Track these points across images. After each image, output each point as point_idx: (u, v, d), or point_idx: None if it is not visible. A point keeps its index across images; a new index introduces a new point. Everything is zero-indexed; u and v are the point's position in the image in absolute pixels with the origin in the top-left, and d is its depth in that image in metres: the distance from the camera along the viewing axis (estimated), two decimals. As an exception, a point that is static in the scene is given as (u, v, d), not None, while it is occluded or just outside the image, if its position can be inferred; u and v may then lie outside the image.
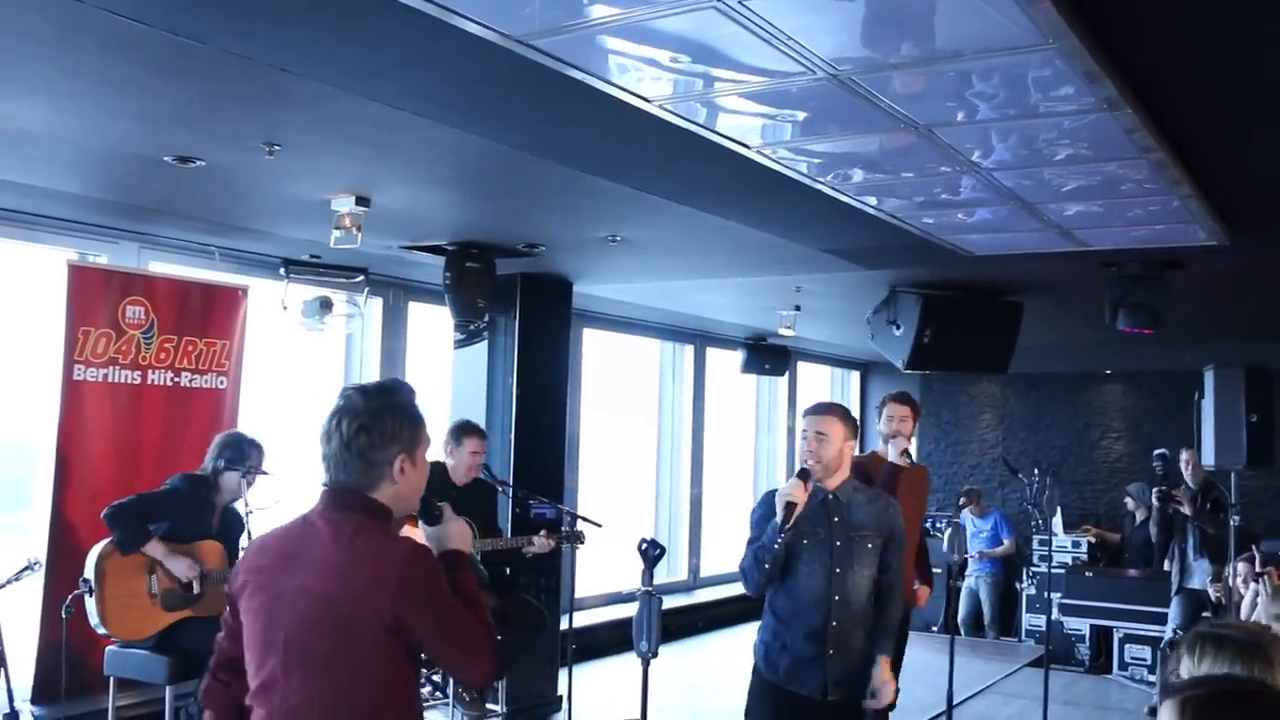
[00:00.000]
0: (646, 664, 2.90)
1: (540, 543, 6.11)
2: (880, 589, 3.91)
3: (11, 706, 4.66)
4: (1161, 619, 8.35)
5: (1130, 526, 10.68)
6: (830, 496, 3.90)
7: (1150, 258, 6.03)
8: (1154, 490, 7.79)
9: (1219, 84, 3.50)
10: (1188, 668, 2.14)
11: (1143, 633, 9.01)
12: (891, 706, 3.97)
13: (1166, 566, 8.03)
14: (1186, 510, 7.49)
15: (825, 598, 3.80)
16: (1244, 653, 2.11)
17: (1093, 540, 11.19)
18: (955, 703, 7.48)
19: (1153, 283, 6.15)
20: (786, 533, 3.70)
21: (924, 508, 5.61)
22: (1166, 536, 7.89)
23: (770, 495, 3.88)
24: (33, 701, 5.58)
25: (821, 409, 3.99)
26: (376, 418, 2.45)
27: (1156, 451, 8.67)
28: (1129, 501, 10.60)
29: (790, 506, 3.68)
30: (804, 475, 3.77)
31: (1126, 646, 9.17)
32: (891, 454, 5.30)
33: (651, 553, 3.00)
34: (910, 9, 2.82)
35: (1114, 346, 10.00)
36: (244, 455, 5.35)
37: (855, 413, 14.42)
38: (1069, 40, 2.87)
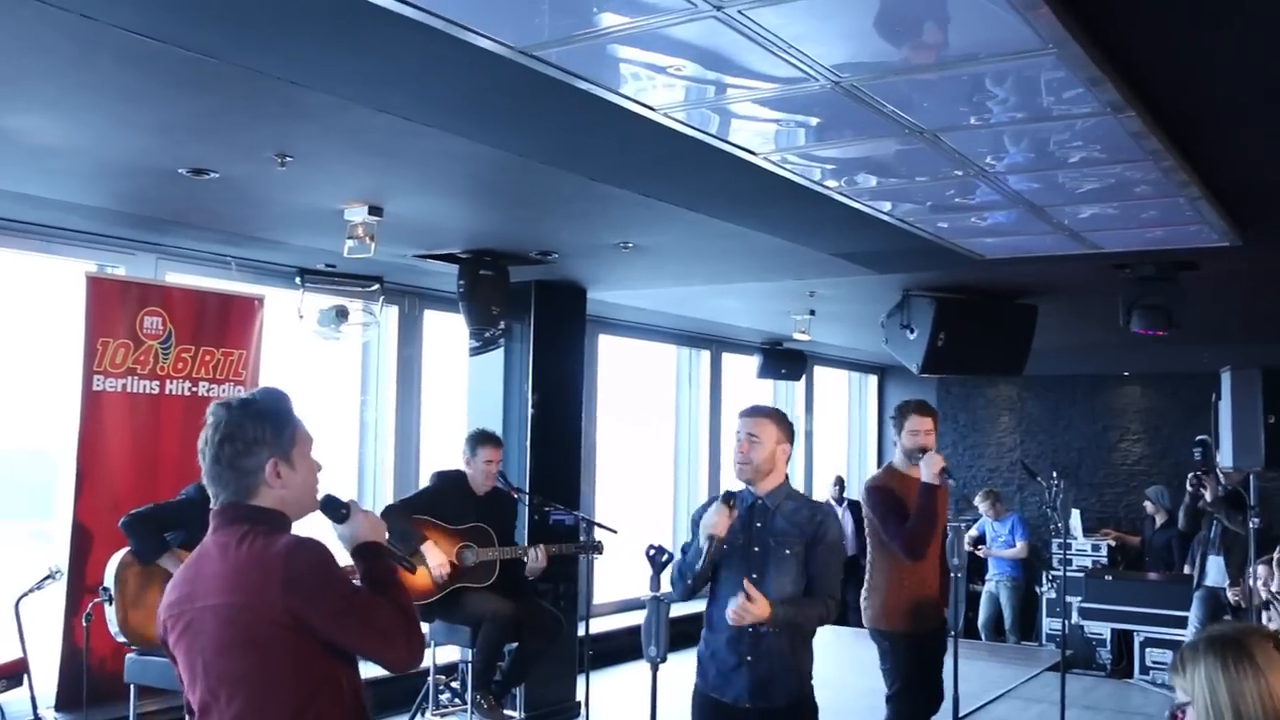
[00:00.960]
0: (655, 669, 2.91)
1: (535, 558, 6.02)
2: (806, 593, 3.76)
3: (35, 714, 4.72)
4: (1183, 622, 8.32)
5: (1150, 529, 10.63)
6: (758, 502, 3.80)
7: (1163, 259, 6.02)
8: (1190, 475, 7.68)
9: (1226, 86, 3.50)
10: (1180, 686, 2.14)
11: (1164, 636, 8.96)
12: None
13: (1187, 570, 7.98)
14: (1208, 496, 7.38)
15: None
16: (1225, 647, 2.11)
17: (1112, 543, 11.14)
18: (975, 707, 7.48)
19: (1166, 284, 6.14)
20: (705, 558, 3.65)
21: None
22: (1194, 527, 7.76)
23: (714, 500, 3.80)
24: (56, 709, 5.64)
25: (754, 410, 3.91)
26: (239, 427, 2.44)
27: (1198, 438, 8.56)
28: (1148, 504, 10.55)
29: (711, 539, 3.63)
30: (729, 500, 3.69)
31: (1148, 650, 9.12)
32: (925, 473, 4.99)
33: (659, 558, 3.02)
34: (909, 16, 2.84)
35: (1131, 348, 9.96)
36: None
37: (873, 416, 14.41)
38: (1069, 45, 2.88)
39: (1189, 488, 7.56)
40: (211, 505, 2.48)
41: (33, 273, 6.20)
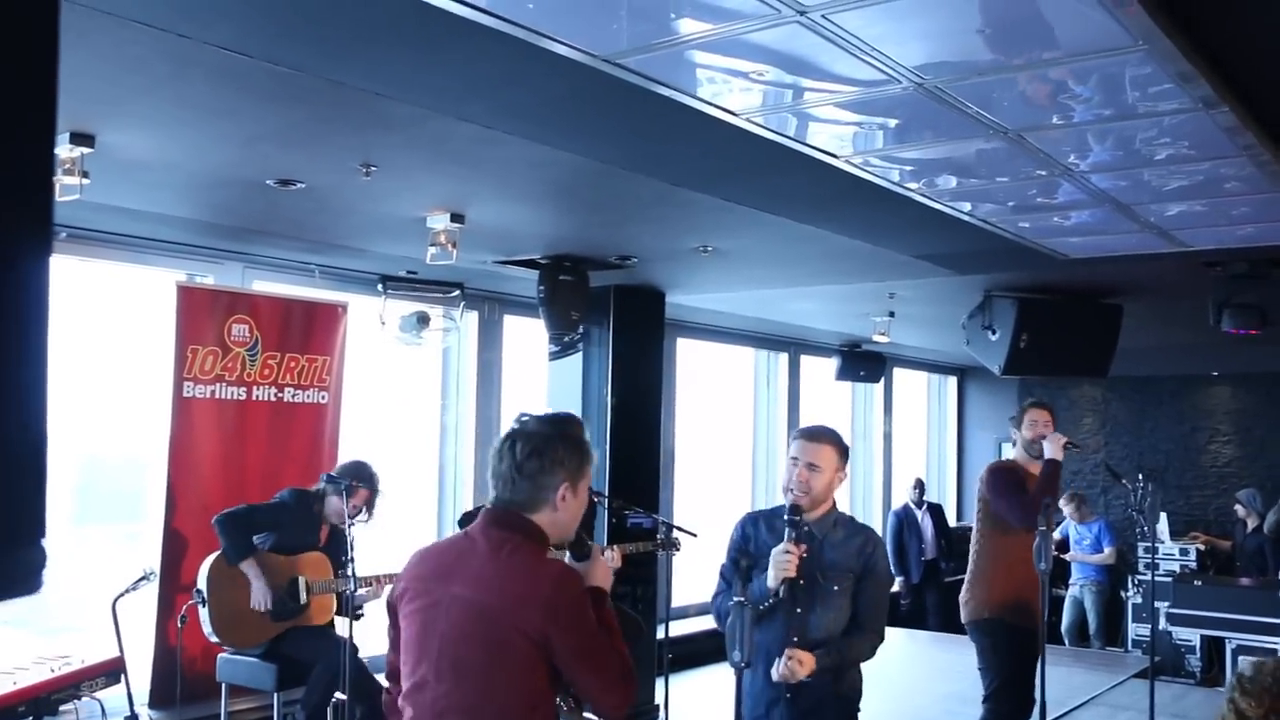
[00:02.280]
0: (740, 674, 2.91)
1: (610, 558, 6.02)
2: (850, 627, 3.49)
3: (131, 710, 4.85)
4: (1277, 629, 8.10)
5: (1242, 534, 10.37)
6: (805, 530, 3.46)
7: (1257, 256, 5.87)
8: None
9: (1322, 79, 3.41)
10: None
11: (1257, 644, 8.72)
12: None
13: None
14: None
15: (784, 639, 3.39)
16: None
17: (1201, 547, 10.89)
18: (1060, 714, 7.35)
19: (1259, 282, 5.99)
20: (774, 602, 3.37)
21: None
22: None
23: (750, 520, 3.60)
24: (150, 706, 5.79)
25: (815, 434, 3.55)
26: (549, 444, 2.58)
27: None
28: (1239, 508, 10.29)
29: (785, 582, 3.33)
30: (796, 534, 3.38)
31: (1240, 658, 8.88)
32: (1050, 449, 5.22)
33: (741, 563, 3.01)
34: (995, 15, 2.81)
35: (1221, 348, 9.73)
36: (371, 485, 5.50)
37: (953, 418, 14.24)
38: (1160, 41, 2.83)
39: None
40: (489, 501, 2.62)
41: (125, 283, 6.38)
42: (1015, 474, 5.30)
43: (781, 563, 3.32)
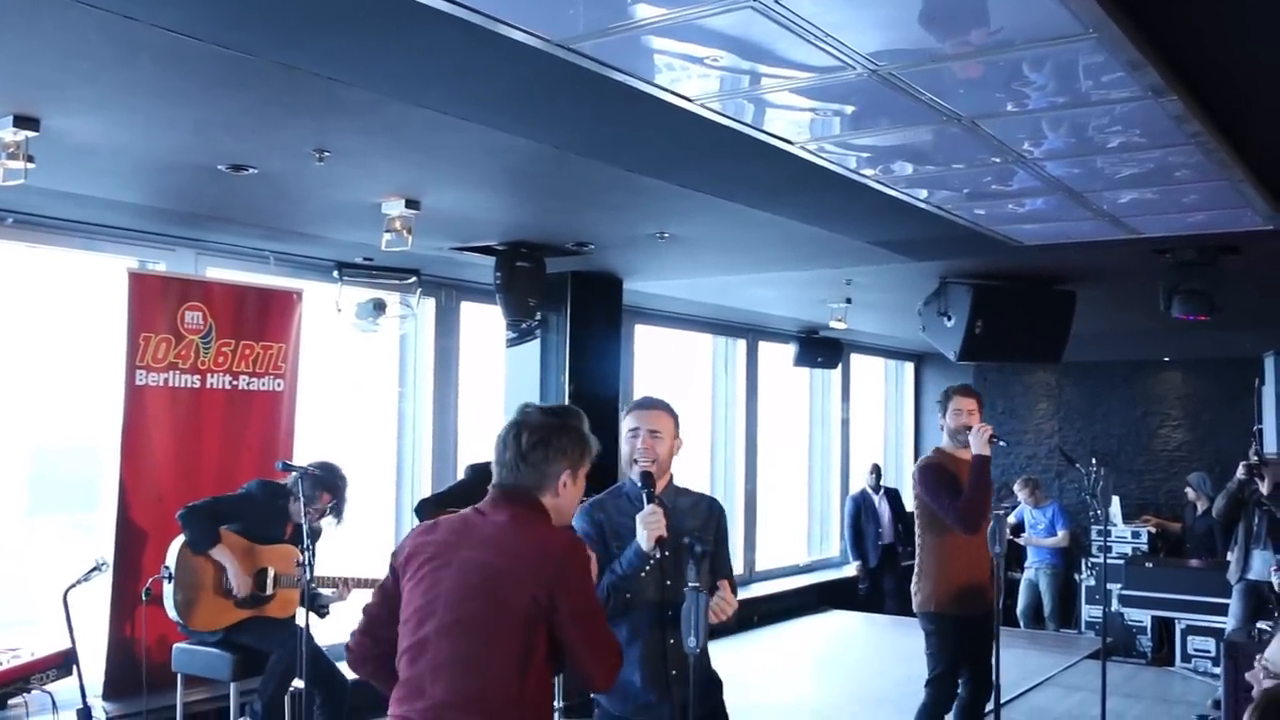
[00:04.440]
0: (693, 660, 2.92)
1: None
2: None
3: (84, 702, 4.79)
4: (1225, 609, 8.23)
5: (1192, 516, 10.52)
6: (658, 498, 3.37)
7: (1204, 243, 5.95)
8: (1242, 463, 7.41)
9: (1270, 67, 3.46)
10: None
11: (1206, 624, 8.88)
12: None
13: (1229, 556, 7.83)
14: (1265, 489, 7.17)
15: (659, 614, 3.34)
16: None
17: (1153, 530, 11.04)
18: (1014, 695, 7.45)
19: (1207, 269, 6.08)
20: (644, 565, 3.30)
21: None
22: (1234, 515, 7.50)
23: (592, 507, 3.49)
24: (104, 698, 5.73)
25: (651, 404, 3.54)
26: (553, 434, 2.75)
27: (1255, 428, 8.37)
28: (1189, 491, 10.44)
29: (661, 540, 3.23)
30: (651, 496, 3.32)
31: (1189, 638, 9.04)
32: (975, 444, 5.08)
33: (695, 549, 3.02)
34: (948, 3, 2.82)
35: (1171, 333, 9.86)
36: (335, 482, 5.45)
37: (910, 404, 14.35)
38: (1109, 29, 2.85)
39: (1241, 475, 7.26)
40: (494, 484, 2.76)
41: (75, 269, 6.28)
42: (945, 471, 5.20)
43: (652, 522, 3.25)
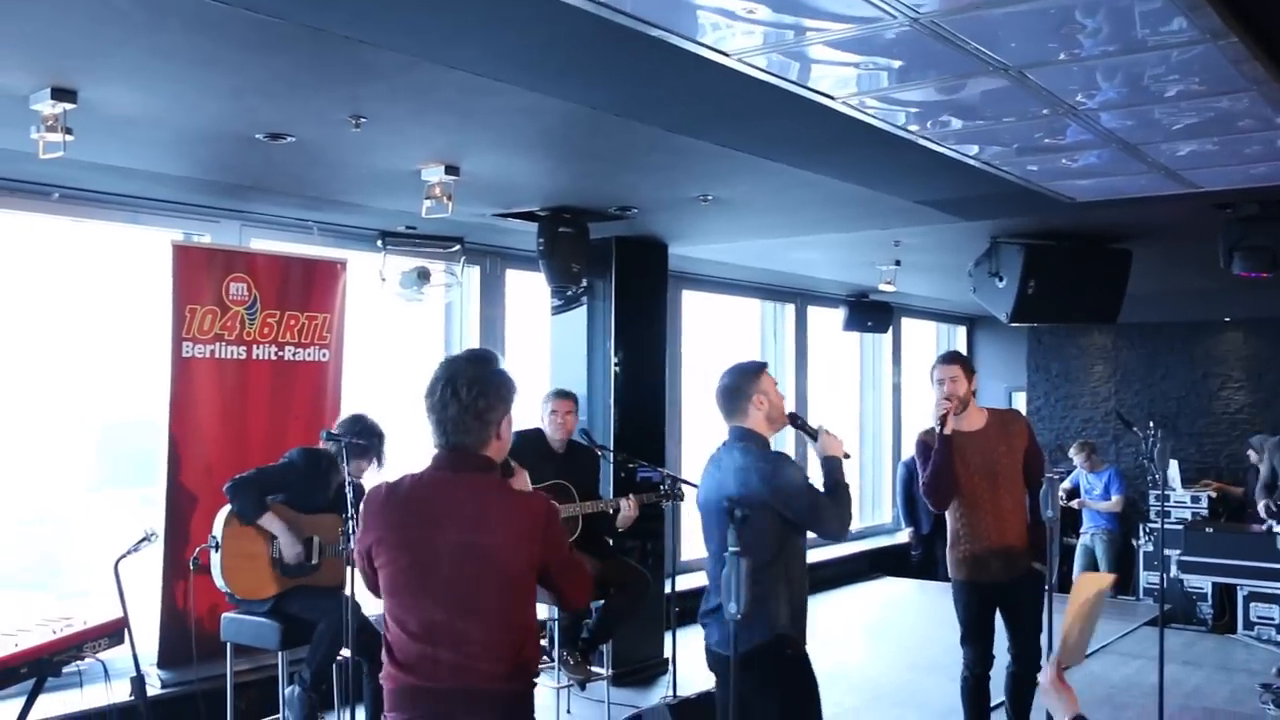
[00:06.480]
0: (734, 625, 2.88)
1: (626, 507, 6.06)
2: None
3: (138, 669, 4.83)
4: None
5: (1254, 480, 10.29)
6: None
7: (1268, 197, 5.76)
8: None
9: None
10: None
11: (1270, 590, 8.68)
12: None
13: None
14: None
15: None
16: None
17: (1213, 495, 10.82)
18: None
19: (1271, 223, 5.88)
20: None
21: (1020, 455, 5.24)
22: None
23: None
24: (159, 666, 5.80)
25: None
26: (490, 382, 2.79)
27: None
28: (1252, 454, 10.19)
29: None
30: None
31: (1252, 605, 8.85)
32: (931, 419, 5.21)
33: (736, 513, 2.98)
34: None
35: (1233, 293, 9.62)
36: (372, 441, 5.49)
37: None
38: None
39: None
40: (439, 444, 2.81)
41: (120, 243, 6.31)
42: (926, 448, 5.30)
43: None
